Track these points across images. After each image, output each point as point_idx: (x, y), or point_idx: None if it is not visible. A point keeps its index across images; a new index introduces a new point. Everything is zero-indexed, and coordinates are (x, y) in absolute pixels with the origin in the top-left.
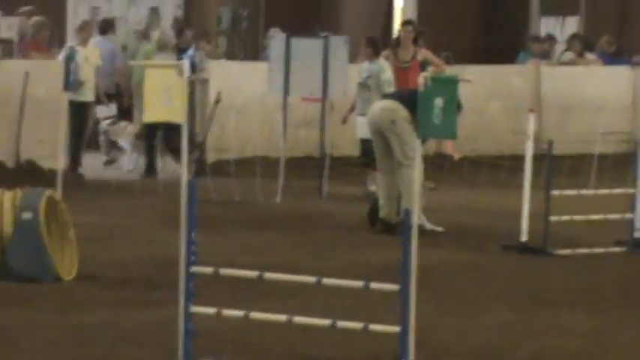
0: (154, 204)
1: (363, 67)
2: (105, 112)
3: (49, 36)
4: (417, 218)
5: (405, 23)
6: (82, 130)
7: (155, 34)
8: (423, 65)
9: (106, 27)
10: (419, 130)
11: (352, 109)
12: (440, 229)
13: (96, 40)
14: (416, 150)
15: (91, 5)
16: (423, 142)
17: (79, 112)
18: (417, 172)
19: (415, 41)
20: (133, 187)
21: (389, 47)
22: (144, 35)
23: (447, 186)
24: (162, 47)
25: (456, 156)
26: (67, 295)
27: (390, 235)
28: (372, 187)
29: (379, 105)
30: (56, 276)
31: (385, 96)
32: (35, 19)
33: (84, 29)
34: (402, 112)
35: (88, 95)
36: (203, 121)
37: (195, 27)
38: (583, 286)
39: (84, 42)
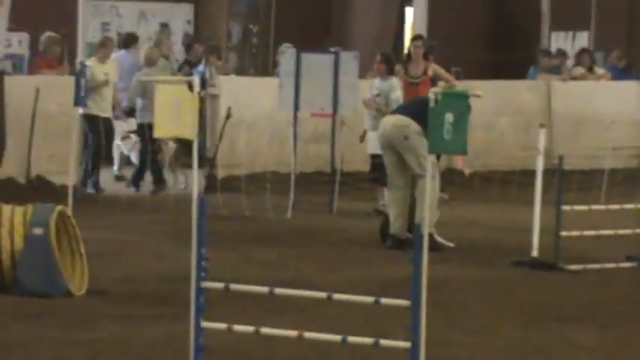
0: (165, 219)
1: (375, 84)
2: (124, 127)
3: (59, 52)
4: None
5: (415, 38)
6: (98, 146)
7: (145, 49)
8: (434, 81)
9: (129, 41)
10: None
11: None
12: (451, 244)
13: (119, 53)
14: (427, 164)
15: (102, 21)
16: (438, 157)
17: (97, 128)
18: (428, 186)
19: (425, 56)
20: (143, 202)
21: (399, 63)
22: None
23: (457, 201)
24: (149, 63)
25: (467, 171)
26: (78, 310)
27: (400, 251)
28: (382, 202)
29: (390, 121)
30: (67, 291)
31: (395, 110)
32: (46, 34)
33: (104, 45)
34: (413, 126)
35: (106, 110)
36: (213, 137)
37: (205, 42)
38: (593, 302)
39: (103, 58)
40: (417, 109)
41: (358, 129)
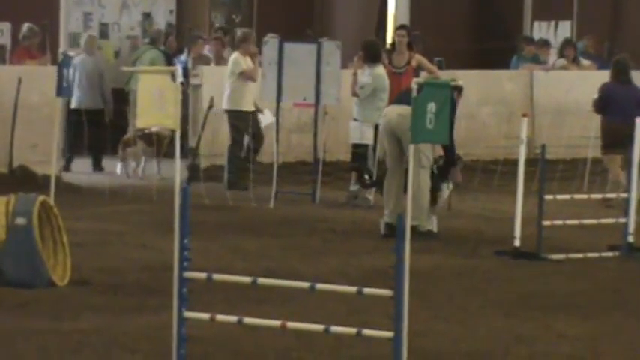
0: (148, 210)
1: (365, 72)
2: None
3: (39, 42)
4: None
5: (399, 28)
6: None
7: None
8: (417, 71)
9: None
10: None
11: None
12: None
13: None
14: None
15: (84, 11)
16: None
17: (247, 124)
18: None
19: (410, 47)
20: (126, 193)
21: (384, 52)
22: (152, 41)
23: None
24: (86, 50)
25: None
26: (61, 300)
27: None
28: (355, 188)
29: (396, 110)
30: (50, 281)
31: (397, 100)
32: (26, 25)
33: (245, 40)
34: None
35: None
36: (196, 127)
37: (187, 32)
38: (576, 291)
39: (244, 53)
40: None
41: (341, 118)
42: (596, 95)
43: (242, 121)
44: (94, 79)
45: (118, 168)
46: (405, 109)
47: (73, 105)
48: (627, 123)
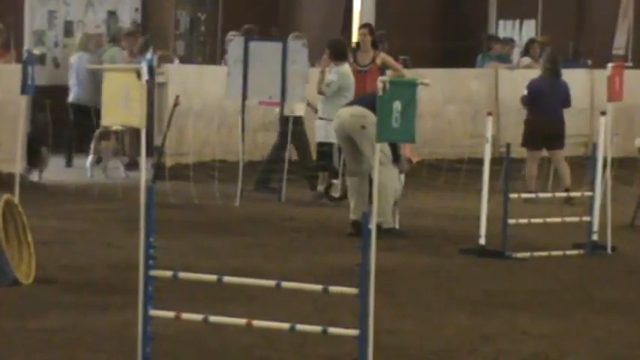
0: (113, 208)
1: (332, 70)
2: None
3: (5, 40)
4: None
5: (362, 27)
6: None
7: (78, 36)
8: (383, 70)
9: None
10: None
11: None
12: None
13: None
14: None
15: (48, 9)
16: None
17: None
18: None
19: (375, 45)
20: (92, 191)
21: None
22: (113, 39)
23: (405, 190)
24: (83, 47)
25: (415, 160)
26: (25, 299)
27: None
28: (321, 188)
29: (348, 111)
30: (14, 280)
31: (351, 102)
32: None
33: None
34: (371, 117)
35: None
36: (161, 125)
37: (152, 31)
38: (541, 289)
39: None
40: (373, 100)
41: (306, 117)
42: (525, 92)
43: (284, 125)
44: (91, 75)
45: (89, 161)
46: (356, 110)
47: (71, 99)
48: (551, 119)
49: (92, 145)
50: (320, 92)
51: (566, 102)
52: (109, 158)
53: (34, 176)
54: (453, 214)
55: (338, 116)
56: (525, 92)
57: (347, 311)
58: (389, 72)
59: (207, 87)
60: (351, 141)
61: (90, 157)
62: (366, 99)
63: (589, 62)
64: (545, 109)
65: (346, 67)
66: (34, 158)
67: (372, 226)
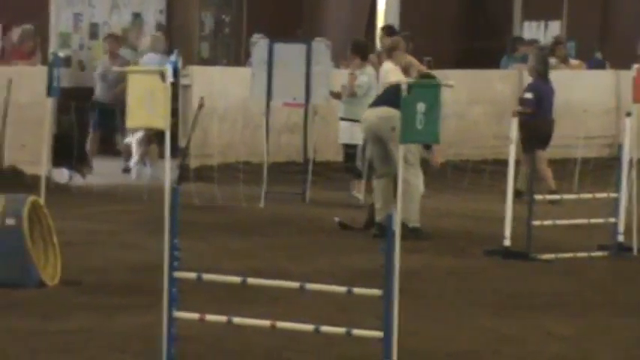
0: (137, 209)
1: (363, 71)
2: None
3: (34, 44)
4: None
5: (383, 29)
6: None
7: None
8: (407, 71)
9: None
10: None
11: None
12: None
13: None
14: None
15: (74, 11)
16: (428, 147)
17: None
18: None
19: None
20: (116, 192)
21: (374, 52)
22: (123, 41)
23: (429, 191)
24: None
25: (439, 161)
26: (51, 300)
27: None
28: (354, 192)
29: (375, 113)
30: (39, 282)
31: (375, 102)
32: (22, 27)
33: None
34: (398, 116)
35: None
36: (186, 127)
37: (177, 32)
38: (565, 291)
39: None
40: (396, 98)
41: (331, 119)
42: (530, 95)
43: None
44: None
45: (135, 168)
46: (383, 111)
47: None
48: (553, 120)
49: (137, 150)
50: (352, 95)
51: (553, 103)
52: (156, 161)
53: (78, 180)
54: (478, 215)
55: (365, 119)
56: (529, 95)
57: (371, 313)
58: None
59: (231, 89)
60: (381, 142)
61: (135, 158)
62: (389, 96)
63: (607, 63)
64: (549, 110)
65: (371, 68)
66: (79, 162)
67: (397, 228)
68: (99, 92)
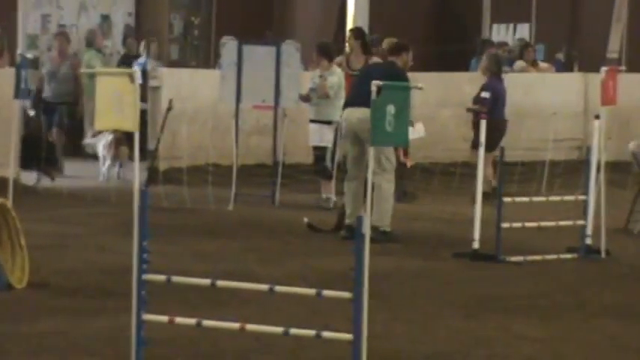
0: (106, 212)
1: (316, 73)
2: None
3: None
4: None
5: (352, 31)
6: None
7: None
8: None
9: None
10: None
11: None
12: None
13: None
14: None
15: (42, 13)
16: (396, 149)
17: None
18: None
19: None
20: (85, 195)
21: (343, 55)
22: (88, 42)
23: (418, 192)
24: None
25: (409, 163)
26: (19, 303)
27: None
28: (324, 195)
29: (355, 114)
30: (7, 285)
31: (351, 102)
32: None
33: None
34: None
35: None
36: (155, 129)
37: (146, 35)
38: (535, 293)
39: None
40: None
41: (300, 121)
42: (487, 94)
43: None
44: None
45: (105, 168)
46: (363, 112)
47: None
48: (505, 120)
49: (106, 151)
50: (324, 96)
51: (506, 103)
52: (126, 163)
53: (46, 182)
54: (447, 217)
55: (345, 119)
56: (486, 94)
57: (341, 315)
58: None
59: (200, 91)
60: (360, 143)
61: (107, 162)
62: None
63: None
64: (503, 110)
65: (338, 68)
66: (47, 165)
67: (367, 230)
68: (47, 91)
